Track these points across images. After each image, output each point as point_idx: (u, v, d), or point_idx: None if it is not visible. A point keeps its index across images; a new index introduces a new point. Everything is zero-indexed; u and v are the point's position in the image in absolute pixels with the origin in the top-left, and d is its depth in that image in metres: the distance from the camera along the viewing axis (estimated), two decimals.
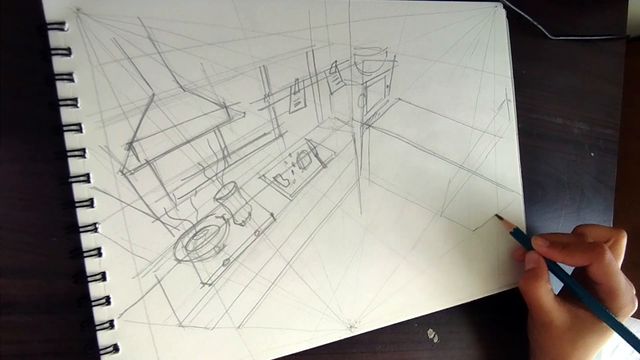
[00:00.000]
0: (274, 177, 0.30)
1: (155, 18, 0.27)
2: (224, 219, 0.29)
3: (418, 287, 0.34)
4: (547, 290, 0.33)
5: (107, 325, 0.26)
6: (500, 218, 0.37)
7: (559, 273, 0.34)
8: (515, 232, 0.36)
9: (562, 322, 0.32)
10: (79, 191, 0.26)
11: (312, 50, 0.31)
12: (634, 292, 0.33)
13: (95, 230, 0.26)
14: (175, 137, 0.28)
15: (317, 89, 0.31)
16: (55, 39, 0.25)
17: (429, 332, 0.36)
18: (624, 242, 0.34)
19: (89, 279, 0.26)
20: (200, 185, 0.28)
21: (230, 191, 0.29)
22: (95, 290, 0.26)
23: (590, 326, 0.32)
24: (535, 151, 0.42)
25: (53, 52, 0.25)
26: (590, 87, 0.45)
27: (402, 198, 0.34)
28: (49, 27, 0.25)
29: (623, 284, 0.32)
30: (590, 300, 0.32)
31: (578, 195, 0.45)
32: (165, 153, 0.27)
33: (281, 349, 0.30)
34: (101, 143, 0.26)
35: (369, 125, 0.33)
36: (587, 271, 0.32)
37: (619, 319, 0.32)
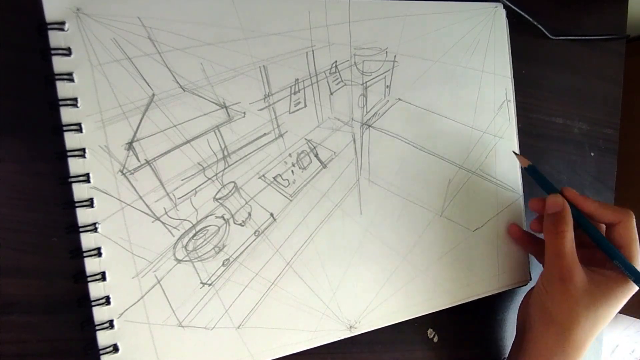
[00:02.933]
0: (274, 177, 0.30)
1: (155, 18, 0.27)
2: (224, 219, 0.29)
3: (418, 287, 0.34)
4: (572, 239, 0.31)
5: (106, 325, 0.26)
6: (516, 154, 0.37)
7: (582, 221, 0.32)
8: (531, 170, 0.35)
9: (581, 281, 0.31)
10: (79, 191, 0.26)
11: (312, 51, 0.31)
12: None
13: (95, 230, 0.26)
14: (175, 137, 0.28)
15: (317, 89, 0.31)
16: (55, 38, 0.25)
17: (429, 332, 0.36)
18: (634, 223, 0.32)
19: (89, 279, 0.26)
20: (200, 185, 0.28)
21: (230, 191, 0.29)
22: (95, 290, 0.26)
23: (606, 291, 0.31)
24: (535, 151, 0.42)
25: (53, 52, 0.25)
26: (590, 87, 0.45)
27: (402, 198, 0.34)
28: (49, 27, 0.25)
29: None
30: (607, 245, 0.31)
31: None
32: (165, 153, 0.27)
33: (281, 349, 0.30)
34: (101, 143, 0.26)
35: (369, 126, 0.33)
36: (612, 232, 0.32)
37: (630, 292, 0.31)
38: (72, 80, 0.25)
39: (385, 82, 0.34)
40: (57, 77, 0.25)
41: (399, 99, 0.34)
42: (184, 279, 0.28)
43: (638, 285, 0.31)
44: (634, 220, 0.31)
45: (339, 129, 0.32)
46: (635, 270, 0.31)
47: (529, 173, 0.35)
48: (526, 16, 0.40)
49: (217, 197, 0.29)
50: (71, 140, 0.25)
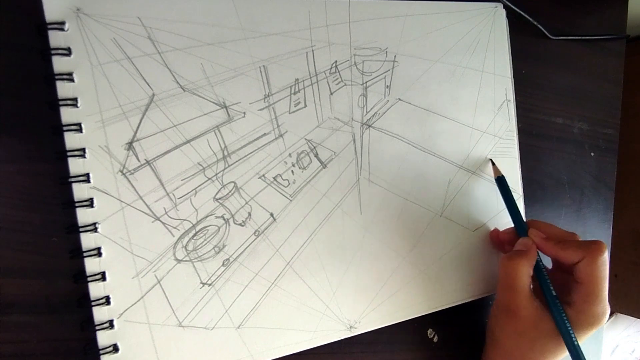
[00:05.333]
0: (274, 177, 0.30)
1: (156, 18, 0.27)
2: (224, 219, 0.29)
3: (418, 287, 0.34)
4: (527, 274, 0.31)
5: (106, 325, 0.26)
6: (493, 163, 0.37)
7: (538, 270, 0.32)
8: (499, 182, 0.35)
9: (528, 316, 0.30)
10: (79, 191, 0.26)
11: (312, 51, 0.31)
12: (609, 310, 0.31)
13: (95, 230, 0.26)
14: (175, 137, 0.28)
15: (317, 89, 0.31)
16: (55, 38, 0.25)
17: (428, 332, 0.36)
18: (600, 259, 0.30)
19: (89, 279, 0.26)
20: (200, 185, 0.28)
21: (230, 191, 0.29)
22: (95, 290, 0.26)
23: (554, 334, 0.30)
24: (535, 151, 0.42)
25: (53, 52, 0.25)
26: (590, 87, 0.45)
27: (402, 198, 0.34)
28: (49, 27, 0.25)
29: (606, 292, 0.31)
30: (557, 308, 0.31)
31: (578, 195, 0.45)
32: (165, 153, 0.27)
33: (281, 349, 0.30)
34: (101, 143, 0.26)
35: (369, 126, 0.33)
36: (574, 268, 0.31)
37: (587, 330, 0.30)
38: (72, 80, 0.25)
39: (385, 82, 0.34)
40: (57, 77, 0.25)
41: (399, 99, 0.34)
42: (184, 279, 0.28)
43: (567, 348, 0.30)
44: (602, 255, 0.30)
45: (339, 129, 0.32)
46: (567, 332, 0.30)
47: (497, 184, 0.36)
48: (526, 16, 0.40)
49: (217, 197, 0.29)
50: (71, 140, 0.25)
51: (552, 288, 0.32)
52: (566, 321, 0.30)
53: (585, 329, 0.31)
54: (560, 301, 0.31)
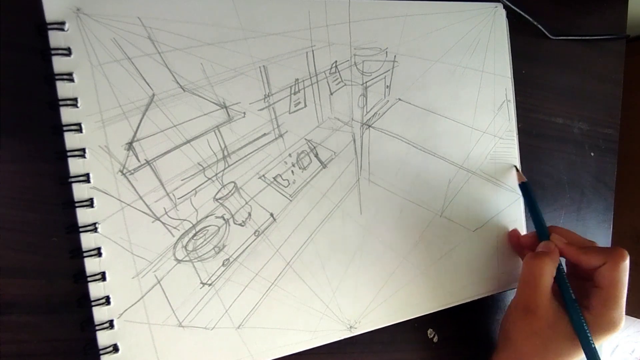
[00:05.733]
0: (273, 177, 0.30)
1: (156, 18, 0.27)
2: (224, 219, 0.29)
3: (418, 287, 0.34)
4: (551, 274, 0.31)
5: (106, 325, 0.26)
6: (517, 169, 0.38)
7: (559, 273, 0.33)
8: (524, 188, 0.36)
9: (546, 316, 0.31)
10: (79, 191, 0.26)
11: (312, 51, 0.31)
12: (624, 317, 0.31)
13: (95, 230, 0.26)
14: (175, 137, 0.28)
15: (317, 89, 0.31)
16: (55, 39, 0.25)
17: (428, 332, 0.36)
18: (622, 265, 0.31)
19: (89, 279, 0.26)
20: (200, 186, 0.28)
21: (230, 191, 0.29)
22: (95, 290, 0.26)
23: (570, 336, 0.31)
24: (535, 151, 0.42)
25: (53, 52, 0.25)
26: (590, 87, 0.45)
27: (402, 198, 0.34)
28: (49, 27, 0.25)
29: (624, 298, 0.31)
30: (576, 312, 0.31)
31: (578, 195, 0.45)
32: (165, 153, 0.27)
33: (281, 349, 0.30)
34: (101, 143, 0.26)
35: (369, 126, 0.33)
36: (595, 273, 0.31)
37: (603, 335, 0.31)
38: (72, 80, 0.25)
39: (385, 82, 0.34)
40: (57, 77, 0.25)
41: (399, 99, 0.34)
42: (184, 279, 0.28)
43: (584, 351, 0.30)
44: (623, 260, 0.30)
45: (339, 129, 0.32)
46: (585, 335, 0.30)
47: (521, 190, 0.36)
48: (526, 16, 0.40)
49: (217, 197, 0.29)
50: (71, 140, 0.25)
51: (571, 291, 0.32)
52: (584, 324, 0.30)
53: (602, 334, 0.31)
54: (580, 305, 0.31)
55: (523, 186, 0.37)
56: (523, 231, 0.39)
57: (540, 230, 0.35)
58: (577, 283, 0.33)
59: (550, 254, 0.32)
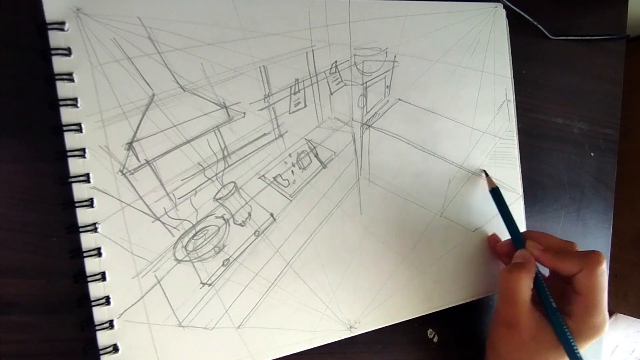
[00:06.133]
0: (273, 177, 0.30)
1: (156, 18, 0.27)
2: (224, 219, 0.29)
3: (418, 287, 0.34)
4: (528, 287, 0.30)
5: (106, 325, 0.26)
6: (487, 174, 0.37)
7: (538, 282, 0.32)
8: (494, 193, 0.35)
9: (528, 328, 0.30)
10: (79, 191, 0.26)
11: (312, 51, 0.31)
12: (608, 320, 0.31)
13: (95, 230, 0.26)
14: (175, 137, 0.28)
15: (317, 89, 0.31)
16: (55, 39, 0.25)
17: (428, 332, 0.36)
18: (598, 270, 0.30)
19: (89, 279, 0.26)
20: (200, 186, 0.28)
21: (230, 191, 0.29)
22: (95, 290, 0.26)
23: (555, 345, 0.30)
24: (535, 151, 0.42)
25: (53, 52, 0.25)
26: (590, 87, 0.45)
27: (402, 198, 0.34)
28: (49, 27, 0.25)
29: (605, 302, 0.30)
30: (557, 320, 0.30)
31: (578, 195, 0.45)
32: (165, 153, 0.27)
33: (281, 349, 0.30)
34: (101, 143, 0.26)
35: (369, 126, 0.33)
36: (573, 279, 0.31)
37: (587, 340, 0.30)
38: (72, 80, 0.25)
39: (385, 82, 0.34)
40: (57, 77, 0.25)
41: (399, 99, 0.34)
42: (184, 279, 0.28)
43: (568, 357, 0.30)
44: (600, 265, 0.30)
45: (339, 129, 0.32)
46: (569, 344, 0.30)
47: (492, 196, 0.36)
48: (526, 16, 0.40)
49: (217, 197, 0.29)
50: (71, 140, 0.25)
51: (552, 300, 0.31)
52: (567, 333, 0.30)
53: (585, 340, 0.30)
54: (561, 312, 0.31)
55: (494, 192, 0.36)
56: (521, 229, 0.39)
57: (515, 237, 0.34)
58: (560, 285, 0.32)
59: (525, 265, 0.31)
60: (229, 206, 0.29)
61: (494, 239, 0.37)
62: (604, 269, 0.30)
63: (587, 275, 0.30)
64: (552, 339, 0.30)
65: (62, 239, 0.26)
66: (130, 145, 0.27)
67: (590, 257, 0.30)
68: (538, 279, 0.32)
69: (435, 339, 0.36)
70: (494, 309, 0.39)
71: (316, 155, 0.31)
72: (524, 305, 0.30)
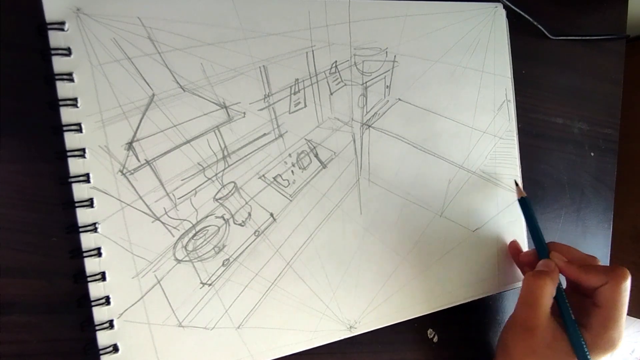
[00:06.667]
0: (273, 178, 0.30)
1: (156, 18, 0.27)
2: (224, 219, 0.29)
3: (418, 287, 0.34)
4: (550, 294, 0.31)
5: (106, 325, 0.26)
6: (517, 184, 0.37)
7: (559, 292, 0.32)
8: (523, 203, 0.35)
9: (544, 335, 0.30)
10: (79, 191, 0.26)
11: (312, 51, 0.31)
12: (623, 335, 0.31)
13: (95, 230, 0.26)
14: (175, 137, 0.28)
15: (317, 89, 0.31)
16: (55, 39, 0.25)
17: (428, 332, 0.36)
18: (623, 285, 0.30)
19: (89, 279, 0.26)
20: (200, 186, 0.28)
21: (230, 191, 0.29)
22: (95, 290, 0.26)
23: (568, 356, 0.30)
24: (535, 151, 0.42)
25: (53, 52, 0.25)
26: (590, 87, 0.45)
27: (402, 198, 0.34)
28: (49, 27, 0.25)
29: (624, 318, 0.31)
30: (575, 332, 0.31)
31: (578, 195, 0.45)
32: (165, 153, 0.27)
33: (281, 349, 0.30)
34: (101, 143, 0.26)
35: (369, 126, 0.33)
36: (596, 292, 0.31)
37: (602, 354, 0.30)
38: (72, 80, 0.25)
39: (385, 82, 0.34)
40: (57, 77, 0.25)
41: (399, 99, 0.34)
42: (183, 279, 0.28)
43: None
44: (625, 281, 0.30)
45: (339, 129, 0.32)
46: (584, 356, 0.30)
47: (520, 205, 0.36)
48: (526, 16, 0.40)
49: (217, 197, 0.29)
50: (71, 140, 0.25)
51: (571, 312, 0.32)
52: (584, 345, 0.30)
53: (599, 353, 0.30)
54: (577, 324, 0.31)
55: (522, 201, 0.36)
56: (523, 237, 0.39)
57: (540, 247, 0.35)
58: (578, 299, 0.33)
59: (550, 273, 0.32)
60: (229, 206, 0.29)
61: (515, 246, 0.37)
62: (629, 284, 0.30)
63: (612, 288, 0.30)
64: (566, 349, 0.30)
65: (62, 239, 0.26)
66: (130, 145, 0.27)
67: (617, 272, 0.31)
68: (559, 289, 0.32)
69: (435, 339, 0.36)
70: (495, 308, 0.39)
71: (316, 155, 0.31)
72: (544, 311, 0.31)
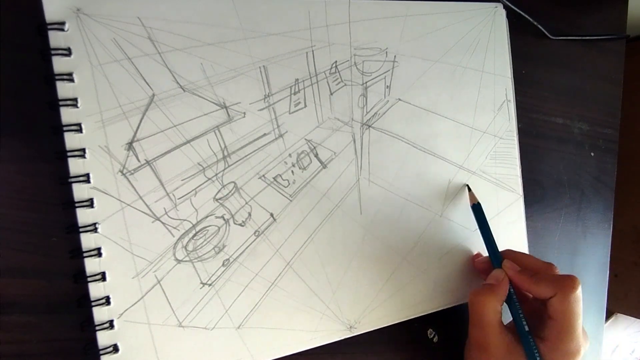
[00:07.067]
0: (273, 178, 0.30)
1: (155, 18, 0.27)
2: (224, 219, 0.29)
3: (418, 287, 0.34)
4: (495, 310, 0.30)
5: (106, 325, 0.26)
6: (469, 189, 0.36)
7: (512, 304, 0.32)
8: (475, 209, 0.34)
9: (498, 351, 0.30)
10: (79, 191, 0.26)
11: (312, 51, 0.31)
12: (587, 346, 0.31)
13: (95, 230, 0.26)
14: (175, 137, 0.28)
15: (317, 89, 0.31)
16: (55, 39, 0.25)
17: (428, 332, 0.36)
18: (572, 296, 0.29)
19: (89, 279, 0.26)
20: (200, 186, 0.28)
21: (230, 191, 0.29)
22: (95, 290, 0.26)
23: None
24: (535, 151, 0.42)
25: (53, 52, 0.25)
26: (590, 87, 0.45)
27: (402, 198, 0.34)
28: (49, 27, 0.25)
29: (580, 328, 0.30)
30: (528, 345, 0.30)
31: (578, 195, 0.45)
32: (165, 153, 0.27)
33: (281, 349, 0.30)
34: (101, 143, 0.26)
35: (369, 126, 0.33)
36: (547, 303, 0.30)
37: None
38: (72, 80, 0.25)
39: (385, 82, 0.34)
40: (57, 77, 0.25)
41: (399, 99, 0.34)
42: (184, 279, 0.28)
43: None
44: (574, 291, 0.29)
45: (339, 129, 0.32)
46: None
47: (473, 211, 0.35)
48: (526, 16, 0.40)
49: (217, 197, 0.29)
50: (71, 140, 0.25)
51: (524, 323, 0.31)
52: (537, 357, 0.30)
53: None
54: (535, 335, 0.31)
55: (475, 207, 0.35)
56: (523, 237, 0.39)
57: (493, 256, 0.34)
58: (537, 308, 0.32)
59: (494, 288, 0.31)
60: (229, 206, 0.29)
61: (477, 256, 0.37)
62: (579, 294, 0.29)
63: (561, 300, 0.29)
64: None
65: (62, 239, 0.26)
66: (130, 146, 0.27)
67: (565, 282, 0.30)
68: (512, 300, 0.32)
69: (435, 339, 0.36)
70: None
71: (316, 155, 0.32)
72: (492, 328, 0.30)
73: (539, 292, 0.31)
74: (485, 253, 0.36)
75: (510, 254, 0.34)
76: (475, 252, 0.36)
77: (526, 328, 0.31)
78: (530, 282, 0.31)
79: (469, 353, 0.33)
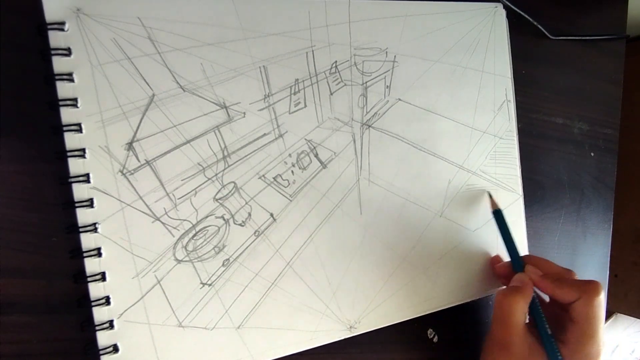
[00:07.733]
0: (273, 178, 0.30)
1: (155, 18, 0.27)
2: (224, 219, 0.29)
3: (418, 287, 0.34)
4: (522, 311, 0.31)
5: (106, 325, 0.26)
6: (491, 196, 0.36)
7: (534, 307, 0.32)
8: (497, 215, 0.35)
9: (520, 352, 0.30)
10: (79, 191, 0.26)
11: (312, 51, 0.31)
12: (603, 350, 0.31)
13: (95, 230, 0.26)
14: (175, 137, 0.28)
15: (317, 89, 0.31)
16: (55, 39, 0.25)
17: (428, 332, 0.36)
18: (596, 300, 0.30)
19: (89, 279, 0.26)
20: (200, 186, 0.28)
21: (230, 191, 0.29)
22: (95, 290, 0.26)
23: None
24: (535, 151, 0.42)
25: (53, 52, 0.25)
26: (590, 87, 0.45)
27: (402, 198, 0.34)
28: (49, 27, 0.25)
29: (602, 332, 0.30)
30: (552, 347, 0.30)
31: (578, 195, 0.45)
32: (165, 153, 0.27)
33: (281, 349, 0.30)
34: (101, 143, 0.26)
35: (369, 126, 0.33)
36: (570, 307, 0.31)
37: None
38: (72, 80, 0.25)
39: (385, 82, 0.34)
40: (57, 77, 0.25)
41: (399, 99, 0.34)
42: (184, 279, 0.28)
43: None
44: (597, 295, 0.30)
45: (339, 129, 0.32)
46: None
47: (494, 217, 0.35)
48: (526, 16, 0.40)
49: (217, 197, 0.29)
50: (71, 140, 0.25)
51: (547, 326, 0.31)
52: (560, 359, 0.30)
53: None
54: (556, 339, 0.31)
55: (496, 214, 0.35)
56: (523, 238, 0.39)
57: (515, 261, 0.34)
58: (557, 312, 0.32)
59: (521, 289, 0.31)
60: (229, 206, 0.29)
61: (496, 259, 0.37)
62: (602, 299, 0.30)
63: (584, 303, 0.30)
64: None
65: (62, 239, 0.26)
66: (130, 146, 0.27)
67: (589, 286, 0.30)
68: (535, 304, 0.32)
69: (435, 339, 0.36)
70: (494, 313, 0.39)
71: (316, 155, 0.32)
72: (517, 328, 0.30)
73: (563, 296, 0.31)
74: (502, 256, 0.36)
75: (531, 259, 0.34)
76: (472, 253, 0.36)
77: (549, 331, 0.31)
78: (554, 287, 0.31)
79: (488, 351, 0.33)
